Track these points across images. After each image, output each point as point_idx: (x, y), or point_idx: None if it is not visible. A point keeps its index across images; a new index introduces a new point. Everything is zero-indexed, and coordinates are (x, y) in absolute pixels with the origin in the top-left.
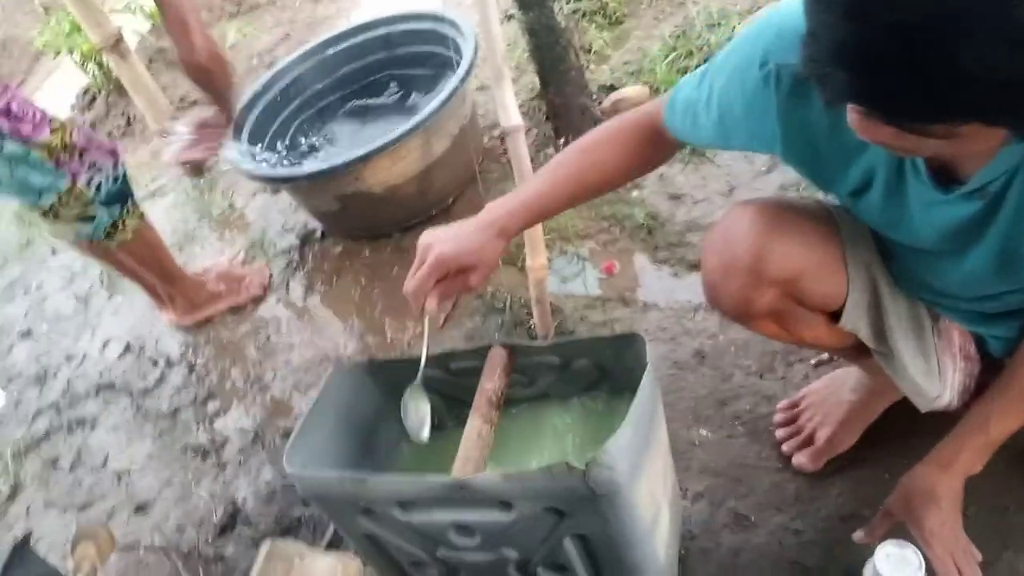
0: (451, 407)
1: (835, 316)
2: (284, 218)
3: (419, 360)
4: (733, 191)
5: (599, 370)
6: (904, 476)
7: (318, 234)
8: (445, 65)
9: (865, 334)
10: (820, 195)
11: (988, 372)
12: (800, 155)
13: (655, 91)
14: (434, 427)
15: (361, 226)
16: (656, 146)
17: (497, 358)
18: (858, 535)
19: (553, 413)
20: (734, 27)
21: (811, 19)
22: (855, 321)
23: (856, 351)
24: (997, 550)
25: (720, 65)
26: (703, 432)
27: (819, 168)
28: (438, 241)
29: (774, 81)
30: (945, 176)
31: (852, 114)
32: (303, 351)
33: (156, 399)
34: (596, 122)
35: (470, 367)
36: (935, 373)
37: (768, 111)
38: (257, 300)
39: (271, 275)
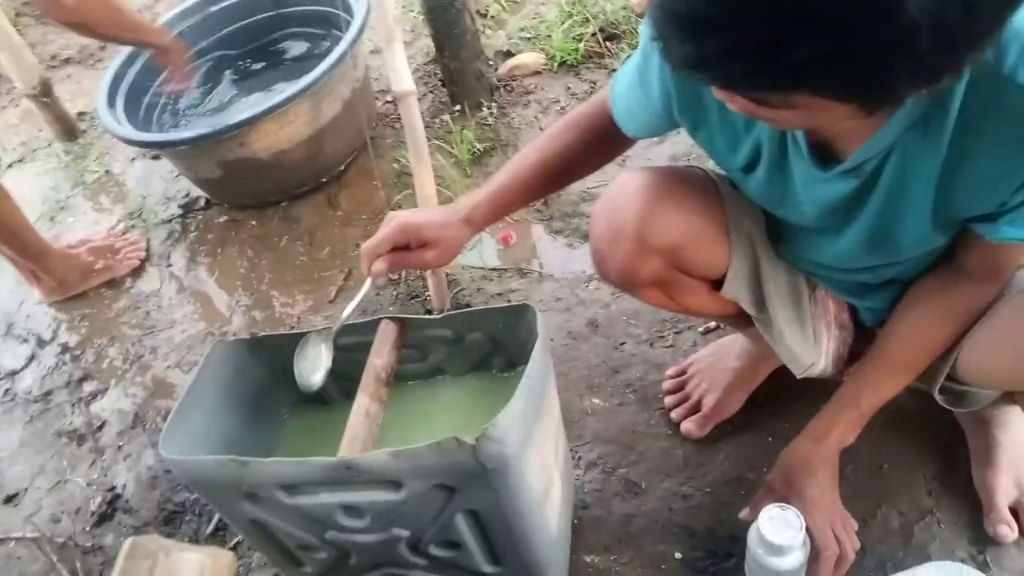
0: (340, 383)
1: (718, 285)
2: (165, 186)
3: (303, 335)
4: (626, 161)
5: (492, 343)
6: (783, 452)
7: (201, 203)
8: (336, 26)
9: (745, 302)
10: (709, 165)
11: (860, 341)
12: (700, 128)
13: (551, 58)
14: (322, 402)
15: (247, 194)
16: (614, 136)
17: (387, 333)
18: (743, 513)
19: (446, 388)
20: None
21: None
22: (736, 290)
23: (739, 319)
24: (872, 507)
25: (639, 50)
26: (595, 401)
27: (716, 144)
28: (407, 213)
29: None
30: (825, 154)
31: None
32: (186, 327)
33: (26, 381)
34: (492, 89)
35: (359, 342)
36: (811, 340)
37: (673, 88)
38: (135, 273)
39: (148, 246)
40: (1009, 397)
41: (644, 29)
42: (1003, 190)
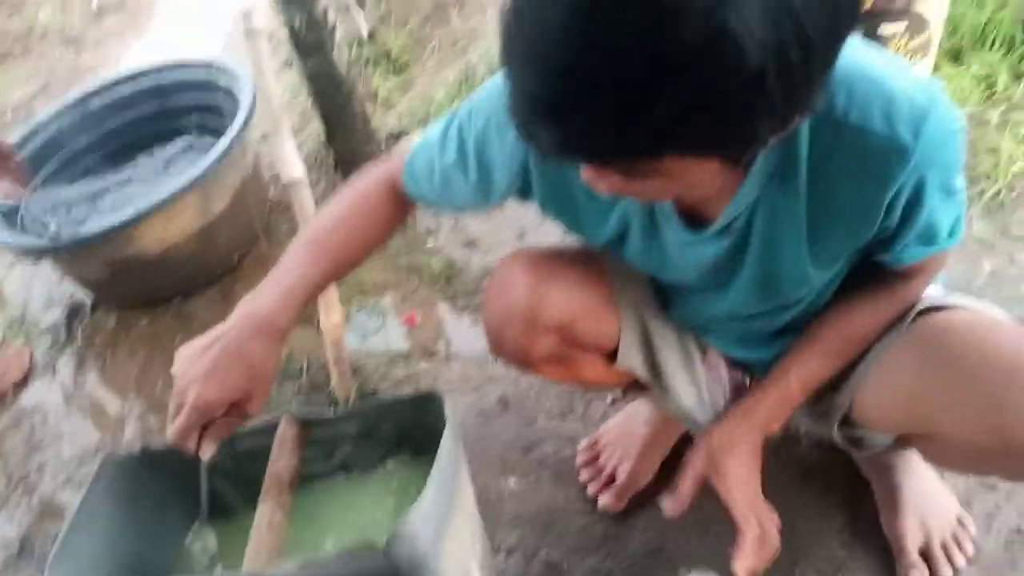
0: (242, 492)
1: (612, 355)
2: (48, 290)
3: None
4: (524, 236)
5: (401, 433)
6: (704, 431)
7: (88, 306)
8: (223, 116)
9: (640, 371)
10: None
11: None
12: (560, 208)
13: None
14: (224, 515)
15: (136, 293)
16: (401, 207)
17: (287, 434)
18: (667, 505)
19: (355, 486)
20: None
21: (507, 78)
22: (629, 359)
23: (639, 386)
24: (788, 565)
25: (463, 126)
26: (512, 481)
27: (579, 220)
28: (197, 379)
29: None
30: (695, 218)
31: (582, 168)
32: (75, 440)
33: None
34: None
35: (260, 446)
36: (706, 402)
37: (524, 169)
38: (17, 387)
39: (32, 356)
40: (905, 441)
41: (475, 108)
42: (868, 222)
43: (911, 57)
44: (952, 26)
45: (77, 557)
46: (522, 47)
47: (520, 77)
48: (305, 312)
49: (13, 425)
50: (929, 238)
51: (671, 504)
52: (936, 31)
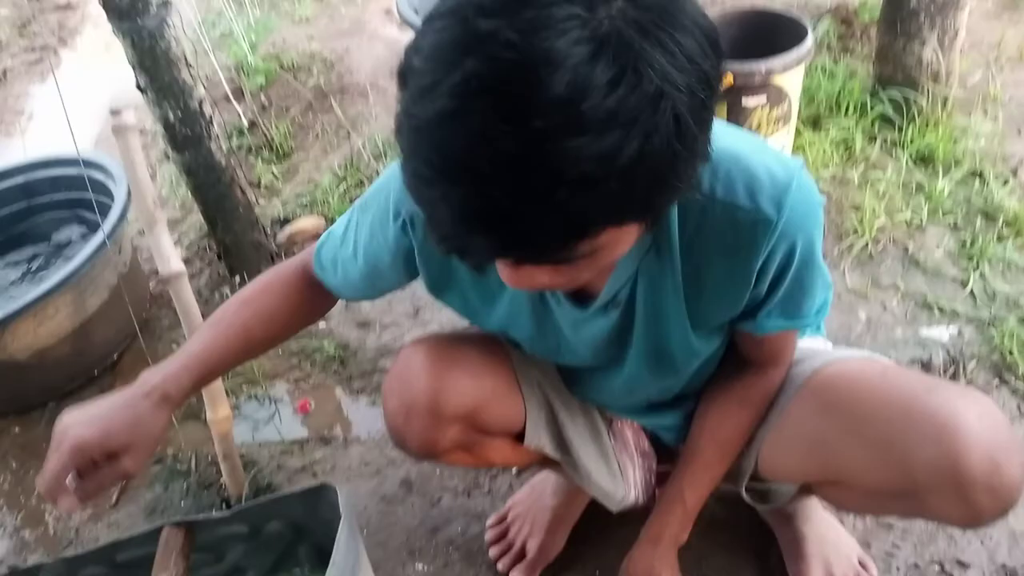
0: None
1: (520, 436)
2: None
3: (73, 560)
4: (419, 312)
5: (294, 530)
6: (624, 562)
7: None
8: (95, 211)
9: (549, 449)
10: None
11: (664, 463)
12: (449, 296)
13: (330, 220)
14: None
15: (7, 399)
16: (318, 294)
17: (171, 541)
18: None
19: None
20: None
21: (424, 205)
22: (537, 439)
23: (547, 461)
24: None
25: (359, 221)
26: (419, 566)
27: (468, 307)
28: (77, 424)
29: (410, 229)
30: (581, 296)
31: (503, 271)
32: None
33: None
34: (272, 257)
35: (142, 555)
36: (617, 475)
37: (412, 258)
38: None
39: None
40: (806, 490)
41: (363, 204)
42: (740, 291)
43: (773, 125)
44: (809, 96)
45: None
46: (434, 164)
47: (440, 195)
48: (206, 383)
49: None
50: (793, 312)
51: None
52: (794, 101)
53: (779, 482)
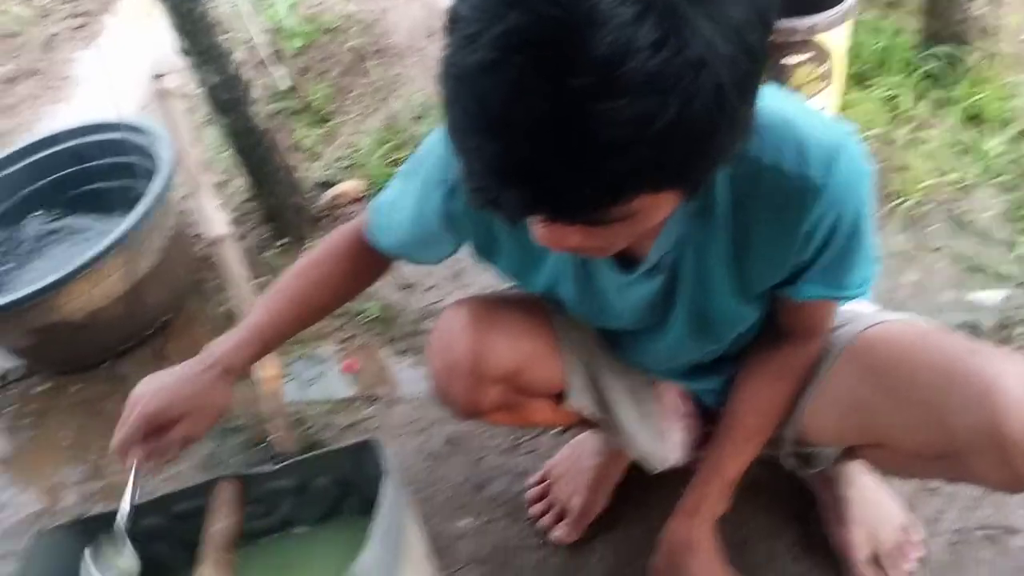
0: (179, 554)
1: (560, 396)
2: None
3: (134, 509)
4: (459, 275)
5: (342, 485)
6: (661, 534)
7: (17, 373)
8: (144, 176)
9: (590, 411)
10: None
11: (707, 424)
12: (494, 259)
13: (371, 183)
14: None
15: (66, 358)
16: (372, 260)
17: (224, 494)
18: None
19: (298, 541)
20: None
21: (461, 154)
22: (578, 401)
23: (588, 421)
24: None
25: (405, 188)
26: (465, 521)
27: (513, 270)
28: (149, 392)
29: (454, 195)
30: (625, 260)
31: (537, 229)
32: (10, 514)
33: None
34: (314, 220)
35: (197, 507)
36: (659, 436)
37: (458, 224)
38: None
39: None
40: (849, 454)
41: (409, 171)
42: (785, 258)
43: (816, 84)
44: (854, 53)
45: None
46: (472, 114)
47: (475, 145)
48: (266, 352)
49: None
50: (834, 283)
51: None
52: (838, 59)
53: (821, 446)
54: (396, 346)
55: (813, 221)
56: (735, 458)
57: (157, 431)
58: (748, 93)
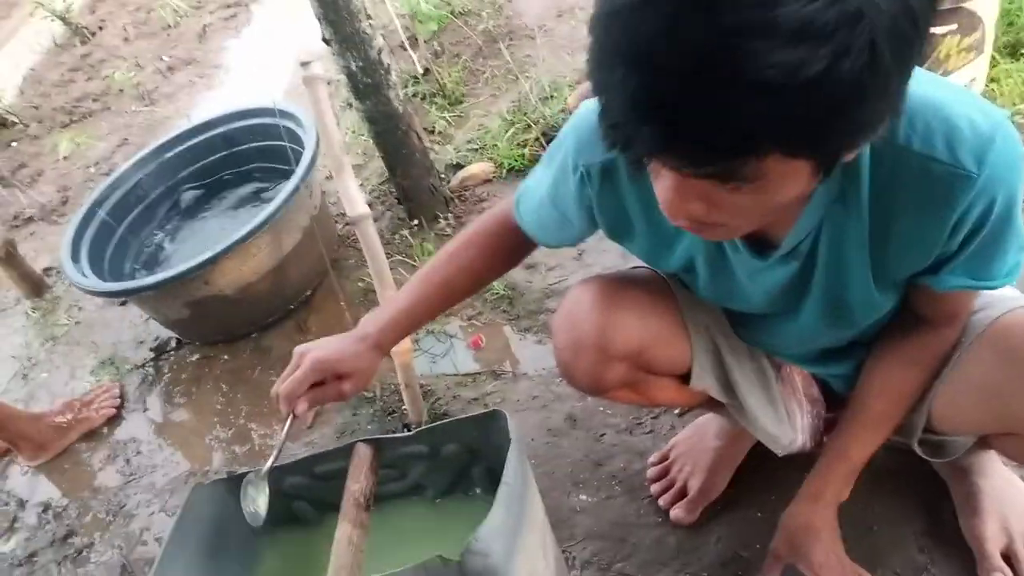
0: (320, 513)
1: (686, 376)
2: (135, 331)
3: (281, 469)
4: (582, 255)
5: (469, 453)
6: (782, 517)
7: (172, 344)
8: (288, 159)
9: (715, 391)
10: None
11: (833, 410)
12: (630, 241)
13: (499, 165)
14: (299, 527)
15: (216, 330)
16: (518, 242)
17: (362, 456)
18: None
19: (428, 504)
20: (566, 98)
21: (601, 92)
22: (703, 381)
23: (711, 402)
24: (868, 569)
25: (543, 175)
26: (583, 496)
27: (645, 251)
28: (316, 348)
29: (587, 180)
30: (760, 245)
31: (661, 186)
32: (167, 470)
33: (9, 544)
34: (446, 201)
35: (336, 468)
36: (784, 419)
37: (592, 208)
38: (111, 421)
39: (123, 392)
40: (983, 443)
41: (549, 156)
42: (930, 247)
43: (964, 55)
44: (1007, 21)
45: None
46: (620, 48)
47: (620, 78)
48: (412, 331)
49: (110, 457)
50: (979, 273)
51: None
52: (989, 27)
53: (953, 434)
54: (520, 324)
55: (962, 211)
56: (862, 443)
57: (318, 384)
58: (904, 61)
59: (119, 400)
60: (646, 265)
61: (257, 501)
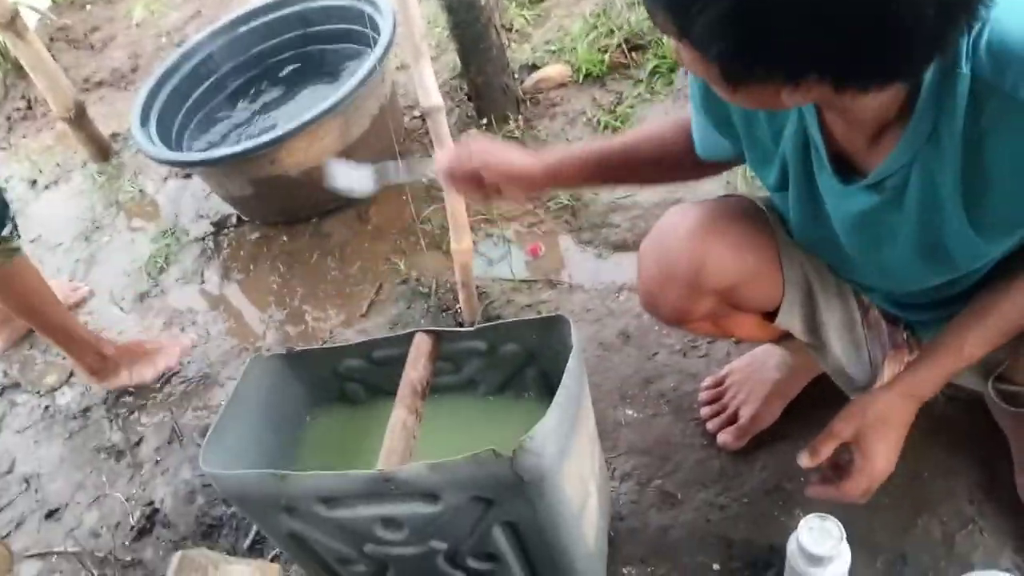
0: (372, 396)
1: (767, 313)
2: (197, 204)
3: (340, 349)
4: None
5: (526, 354)
6: (860, 399)
7: (233, 220)
8: (363, 43)
9: (799, 331)
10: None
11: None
12: (748, 155)
13: (576, 70)
14: (348, 401)
15: (278, 211)
16: (690, 157)
17: (422, 345)
18: (803, 459)
19: (481, 399)
20: None
21: None
22: (789, 320)
23: (784, 338)
24: (912, 516)
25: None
26: (629, 412)
27: (755, 164)
28: (487, 143)
29: (709, 93)
30: (848, 169)
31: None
32: (220, 342)
33: (65, 398)
34: (518, 102)
35: (394, 355)
36: (866, 363)
37: (719, 120)
38: (169, 372)
39: (193, 344)
40: None
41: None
42: None
43: None
44: None
45: (226, 446)
46: None
47: None
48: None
49: (166, 324)
50: None
51: (807, 459)
52: None
53: None
54: (581, 236)
55: None
56: (980, 341)
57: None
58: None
59: (180, 355)
60: (737, 194)
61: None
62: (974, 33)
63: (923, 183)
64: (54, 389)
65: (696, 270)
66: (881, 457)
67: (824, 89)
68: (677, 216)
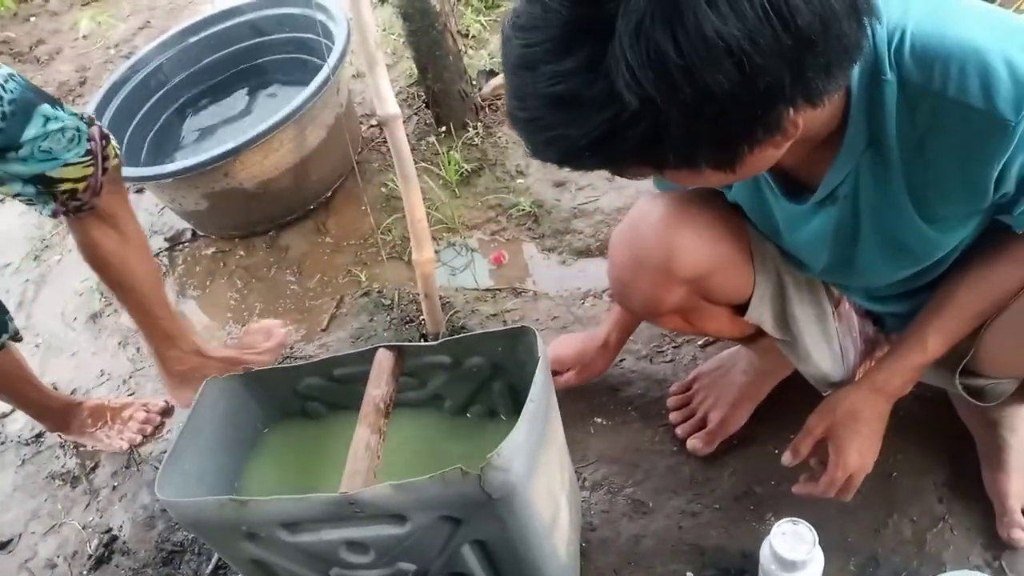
0: (334, 415)
1: (738, 307)
2: (150, 220)
3: (299, 368)
4: (615, 176)
5: (492, 367)
6: (832, 396)
7: (188, 235)
8: (317, 52)
9: (769, 326)
10: None
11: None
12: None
13: None
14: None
15: (233, 224)
16: None
17: (384, 362)
18: (786, 458)
19: (446, 415)
20: None
21: None
22: (760, 313)
23: (752, 338)
24: (883, 516)
25: None
26: (598, 420)
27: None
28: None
29: None
30: (796, 188)
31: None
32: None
33: (17, 424)
34: (477, 108)
35: (355, 373)
36: (838, 357)
37: None
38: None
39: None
40: (1019, 397)
41: None
42: (980, 191)
43: None
44: None
45: (183, 471)
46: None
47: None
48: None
49: (120, 345)
50: None
51: (790, 458)
52: None
53: (998, 378)
54: (544, 243)
55: (1006, 159)
56: (943, 335)
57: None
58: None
59: (150, 429)
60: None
61: None
62: (895, 43)
63: (874, 185)
64: (4, 416)
65: (668, 256)
66: (853, 451)
67: (805, 111)
68: (649, 204)
